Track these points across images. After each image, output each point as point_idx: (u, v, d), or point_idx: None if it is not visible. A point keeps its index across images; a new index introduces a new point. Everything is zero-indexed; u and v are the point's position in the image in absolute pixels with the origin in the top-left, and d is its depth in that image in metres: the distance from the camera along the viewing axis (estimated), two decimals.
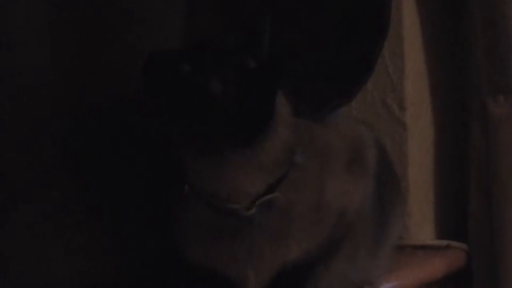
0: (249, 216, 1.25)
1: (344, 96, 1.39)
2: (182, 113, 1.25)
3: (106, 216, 1.36)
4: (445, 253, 1.70)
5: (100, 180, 1.36)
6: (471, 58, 1.73)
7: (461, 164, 1.76)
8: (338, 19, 1.39)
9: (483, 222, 1.72)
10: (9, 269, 1.26)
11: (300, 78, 1.36)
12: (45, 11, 1.29)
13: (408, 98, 1.68)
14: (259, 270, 1.30)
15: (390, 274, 1.49)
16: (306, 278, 1.33)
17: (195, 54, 1.25)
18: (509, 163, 1.68)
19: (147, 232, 1.38)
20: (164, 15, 1.43)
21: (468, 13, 1.70)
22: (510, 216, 1.67)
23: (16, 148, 1.27)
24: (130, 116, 1.38)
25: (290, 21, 1.37)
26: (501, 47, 1.67)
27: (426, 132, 1.73)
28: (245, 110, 1.23)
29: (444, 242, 1.71)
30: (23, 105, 1.28)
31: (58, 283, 1.30)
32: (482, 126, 1.70)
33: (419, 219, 1.72)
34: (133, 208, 1.38)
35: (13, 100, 1.27)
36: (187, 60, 1.25)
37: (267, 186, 1.25)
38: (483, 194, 1.71)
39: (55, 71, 1.31)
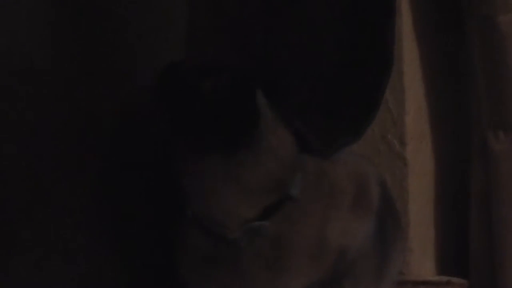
0: (234, 240, 1.24)
1: (353, 133, 1.40)
2: (183, 118, 1.26)
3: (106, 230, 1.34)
4: None
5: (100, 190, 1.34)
6: (472, 93, 1.74)
7: (462, 200, 1.76)
8: (346, 58, 1.39)
9: (484, 259, 1.71)
10: (9, 269, 1.24)
11: (309, 118, 1.36)
12: (45, 11, 1.28)
13: (409, 133, 1.69)
14: None
15: None
16: None
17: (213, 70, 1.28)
18: (509, 198, 1.67)
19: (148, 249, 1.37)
20: (165, 16, 1.44)
21: (468, 49, 1.70)
22: (510, 252, 1.66)
23: (17, 148, 1.26)
24: (131, 122, 1.38)
25: (298, 57, 1.38)
26: (501, 83, 1.67)
27: (426, 167, 1.74)
28: (229, 110, 1.23)
29: (444, 278, 1.70)
30: (22, 104, 1.26)
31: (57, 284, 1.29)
32: (483, 161, 1.70)
33: (420, 254, 1.72)
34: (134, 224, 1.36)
35: (12, 99, 1.25)
36: (206, 75, 1.26)
37: (257, 212, 1.25)
38: (484, 230, 1.71)
39: (55, 69, 1.30)
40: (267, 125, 1.27)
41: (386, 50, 1.40)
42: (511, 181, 1.69)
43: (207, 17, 1.41)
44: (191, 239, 1.30)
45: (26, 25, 1.30)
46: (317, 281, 1.32)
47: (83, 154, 1.35)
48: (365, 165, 1.41)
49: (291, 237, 1.28)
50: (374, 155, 1.68)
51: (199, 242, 1.29)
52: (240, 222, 1.25)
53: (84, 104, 1.36)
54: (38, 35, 1.30)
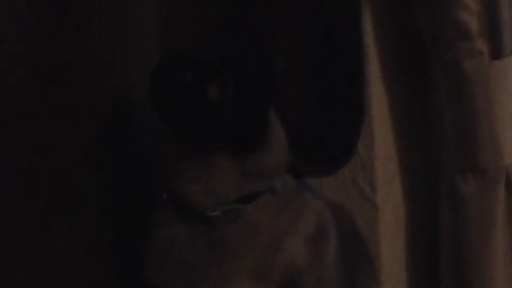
0: (212, 218, 1.26)
1: (329, 172, 1.52)
2: (181, 116, 1.28)
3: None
4: None
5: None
6: (439, 138, 1.75)
7: (432, 242, 1.76)
8: (324, 109, 1.48)
9: None
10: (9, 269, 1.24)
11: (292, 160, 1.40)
12: (21, 13, 1.27)
13: (378, 178, 1.70)
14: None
15: None
16: None
17: (197, 63, 1.29)
18: (479, 241, 1.69)
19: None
20: (139, 17, 1.45)
21: (435, 94, 1.73)
22: None
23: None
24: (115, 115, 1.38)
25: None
26: (468, 128, 1.70)
27: (397, 211, 1.75)
28: (239, 120, 1.27)
29: None
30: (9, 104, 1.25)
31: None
32: (452, 203, 1.71)
33: None
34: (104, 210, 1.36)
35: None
36: (190, 69, 1.28)
37: (240, 196, 1.28)
38: (454, 272, 1.72)
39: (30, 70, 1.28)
40: (271, 123, 1.31)
41: (359, 101, 1.50)
42: (480, 222, 1.71)
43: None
44: (165, 227, 1.30)
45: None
46: None
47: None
48: (321, 203, 1.42)
49: (261, 229, 1.30)
50: (345, 199, 1.68)
51: (172, 229, 1.29)
52: (220, 203, 1.27)
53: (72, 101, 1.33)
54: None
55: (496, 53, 1.68)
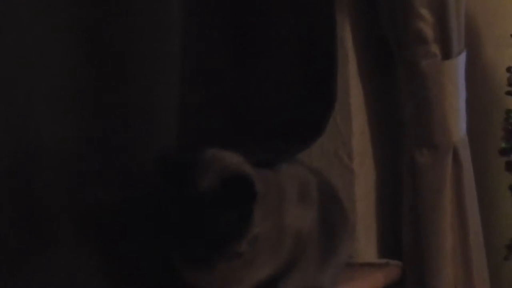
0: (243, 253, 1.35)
1: (301, 148, 1.62)
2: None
3: None
4: (385, 269, 1.84)
5: None
6: (402, 119, 1.87)
7: (396, 201, 1.88)
8: (300, 97, 1.60)
9: (413, 246, 1.85)
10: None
11: (266, 135, 1.54)
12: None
13: (355, 150, 1.83)
14: None
15: (341, 286, 1.61)
16: None
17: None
18: (431, 200, 1.83)
19: None
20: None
21: (400, 85, 1.87)
22: (432, 240, 1.83)
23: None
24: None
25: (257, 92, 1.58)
26: (424, 112, 1.83)
27: (369, 177, 1.88)
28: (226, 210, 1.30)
29: (384, 260, 1.86)
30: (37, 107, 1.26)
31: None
32: (411, 172, 1.84)
33: (365, 242, 1.85)
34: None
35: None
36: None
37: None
38: (412, 224, 1.85)
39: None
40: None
41: (331, 88, 1.63)
42: (433, 186, 1.83)
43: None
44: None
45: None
46: (282, 263, 1.42)
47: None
48: (304, 171, 1.51)
49: (263, 233, 1.38)
50: (328, 167, 1.80)
51: None
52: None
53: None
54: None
55: (447, 54, 1.82)
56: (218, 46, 1.57)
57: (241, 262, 1.38)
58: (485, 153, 2.00)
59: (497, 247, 1.97)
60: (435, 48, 1.81)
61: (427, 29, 1.79)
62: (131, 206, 1.37)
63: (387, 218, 1.92)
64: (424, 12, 1.77)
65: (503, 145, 1.93)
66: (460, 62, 1.85)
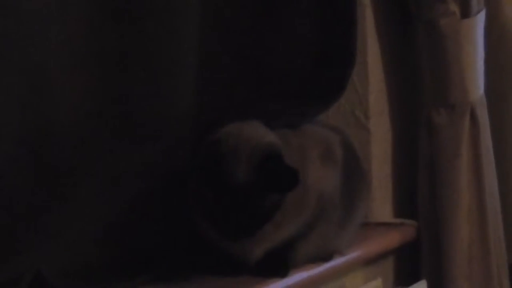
0: None
1: (323, 108, 1.65)
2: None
3: None
4: (400, 229, 1.85)
5: None
6: (420, 79, 1.89)
7: (412, 160, 1.90)
8: (321, 54, 1.61)
9: (429, 205, 1.87)
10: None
11: (288, 97, 1.55)
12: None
13: (372, 110, 1.84)
14: (261, 248, 1.45)
15: (357, 245, 1.65)
16: (290, 249, 1.49)
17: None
18: (448, 160, 1.85)
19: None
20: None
21: (418, 44, 1.87)
22: (448, 200, 1.84)
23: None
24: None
25: (280, 53, 1.59)
26: (441, 72, 1.84)
27: (385, 136, 1.89)
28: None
29: (399, 220, 1.87)
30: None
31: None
32: (428, 132, 1.85)
33: (380, 202, 1.87)
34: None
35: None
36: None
37: None
38: (428, 184, 1.86)
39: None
40: None
41: (351, 48, 1.65)
42: (449, 146, 1.85)
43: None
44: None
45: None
46: (303, 223, 1.46)
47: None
48: (327, 132, 1.54)
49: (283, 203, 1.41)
50: (345, 127, 1.80)
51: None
52: None
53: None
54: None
55: (466, 13, 1.82)
56: (238, 5, 1.57)
57: (272, 225, 1.42)
58: (503, 113, 1.99)
59: None
60: (453, 6, 1.82)
61: None
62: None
63: (403, 178, 1.93)
64: None
65: None
66: (478, 21, 1.85)
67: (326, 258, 1.57)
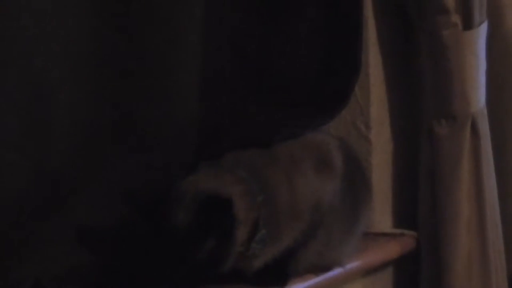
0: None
1: (327, 118, 1.65)
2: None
3: None
4: (400, 239, 1.86)
5: None
6: (421, 90, 1.88)
7: (413, 171, 1.90)
8: (325, 65, 1.61)
9: (429, 216, 1.87)
10: None
11: (292, 106, 1.54)
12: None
13: (373, 120, 1.84)
14: (259, 260, 1.44)
15: (356, 255, 1.65)
16: (290, 258, 1.48)
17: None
18: (448, 171, 1.85)
19: None
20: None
21: (419, 56, 1.87)
22: (448, 211, 1.84)
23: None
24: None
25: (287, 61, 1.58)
26: (443, 83, 1.84)
27: (386, 147, 1.89)
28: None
29: (399, 231, 1.88)
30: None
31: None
32: (429, 142, 1.85)
33: (381, 212, 1.88)
34: None
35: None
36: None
37: None
38: (428, 194, 1.86)
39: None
40: None
41: (355, 59, 1.65)
42: (450, 156, 1.84)
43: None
44: None
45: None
46: (300, 232, 1.45)
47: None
48: (325, 137, 1.53)
49: (278, 207, 1.42)
50: (346, 137, 1.81)
51: None
52: None
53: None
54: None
55: (468, 24, 1.82)
56: (243, 13, 1.57)
57: (269, 239, 1.42)
58: (504, 125, 1.99)
59: None
60: (455, 18, 1.82)
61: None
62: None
63: (403, 188, 1.93)
64: None
65: None
66: (481, 32, 1.85)
67: (327, 268, 1.57)
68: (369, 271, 1.78)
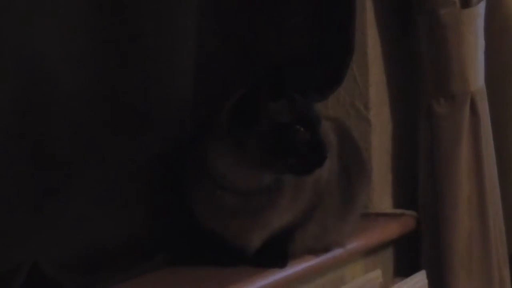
0: (254, 194, 1.42)
1: (320, 98, 1.66)
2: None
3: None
4: (400, 219, 1.87)
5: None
6: (420, 69, 1.91)
7: (412, 151, 1.93)
8: (319, 47, 1.61)
9: (428, 195, 1.89)
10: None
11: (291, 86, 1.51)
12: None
13: (372, 100, 1.86)
14: (260, 236, 1.46)
15: (357, 236, 1.66)
16: (288, 239, 1.49)
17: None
18: (448, 150, 1.86)
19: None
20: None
21: (418, 36, 1.89)
22: (448, 191, 1.87)
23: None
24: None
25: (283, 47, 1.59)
26: (442, 62, 1.86)
27: (385, 127, 1.91)
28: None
29: (399, 211, 1.89)
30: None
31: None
32: (428, 122, 1.87)
33: (380, 193, 1.89)
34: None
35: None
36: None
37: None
38: (428, 174, 1.88)
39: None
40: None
41: (349, 40, 1.66)
42: (450, 135, 1.86)
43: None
44: (218, 198, 1.43)
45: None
46: (301, 211, 1.46)
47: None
48: (328, 126, 1.52)
49: (285, 183, 1.43)
50: (345, 117, 1.83)
51: (225, 199, 1.43)
52: (257, 185, 1.42)
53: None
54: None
55: (466, 3, 1.84)
56: None
57: (271, 211, 1.42)
58: (503, 104, 2.00)
59: None
60: None
61: None
62: None
63: (403, 168, 1.95)
64: None
65: None
66: (479, 11, 1.87)
67: (326, 249, 1.57)
68: (370, 251, 1.78)
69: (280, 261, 1.49)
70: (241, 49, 1.59)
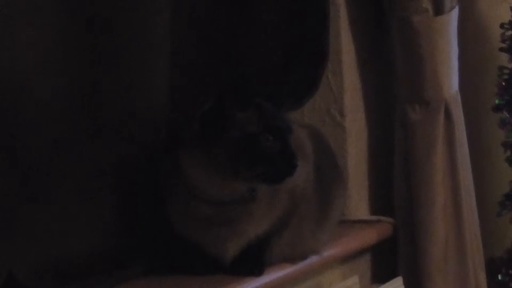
0: (229, 204, 1.42)
1: (295, 106, 1.66)
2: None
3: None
4: (377, 226, 1.88)
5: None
6: (394, 76, 1.92)
7: (388, 157, 1.94)
8: (292, 54, 1.62)
9: (405, 202, 1.90)
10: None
11: (259, 93, 1.52)
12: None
13: (347, 107, 1.87)
14: (236, 245, 1.47)
15: (334, 243, 1.67)
16: (264, 247, 1.50)
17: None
18: (423, 156, 1.87)
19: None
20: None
21: (391, 42, 1.91)
22: (424, 197, 1.87)
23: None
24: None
25: (253, 55, 1.59)
26: (415, 69, 1.86)
27: (361, 134, 1.92)
28: None
29: (375, 218, 1.90)
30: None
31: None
32: (403, 128, 1.89)
33: (357, 200, 1.90)
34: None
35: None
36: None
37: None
38: (404, 180, 1.89)
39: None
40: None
41: (323, 47, 1.67)
42: (424, 141, 1.87)
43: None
44: (193, 207, 1.43)
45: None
46: (277, 219, 1.48)
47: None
48: (297, 129, 1.53)
49: (261, 192, 1.45)
50: (321, 124, 1.84)
51: (200, 208, 1.43)
52: (230, 195, 1.43)
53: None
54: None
55: (439, 10, 1.84)
56: (210, 2, 1.58)
57: (247, 220, 1.43)
58: (477, 110, 2.02)
59: (490, 204, 2.00)
60: (426, 4, 1.84)
61: None
62: None
63: (379, 175, 1.96)
64: None
65: (497, 101, 1.95)
66: (452, 18, 1.88)
67: (302, 256, 1.58)
68: (347, 258, 1.79)
69: (257, 269, 1.50)
70: (215, 55, 1.59)
